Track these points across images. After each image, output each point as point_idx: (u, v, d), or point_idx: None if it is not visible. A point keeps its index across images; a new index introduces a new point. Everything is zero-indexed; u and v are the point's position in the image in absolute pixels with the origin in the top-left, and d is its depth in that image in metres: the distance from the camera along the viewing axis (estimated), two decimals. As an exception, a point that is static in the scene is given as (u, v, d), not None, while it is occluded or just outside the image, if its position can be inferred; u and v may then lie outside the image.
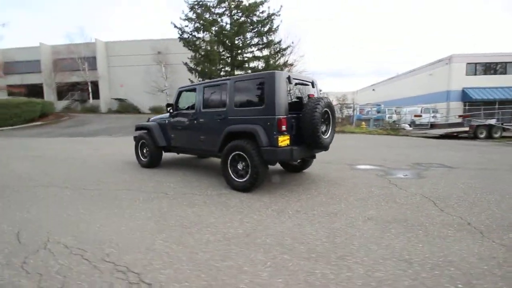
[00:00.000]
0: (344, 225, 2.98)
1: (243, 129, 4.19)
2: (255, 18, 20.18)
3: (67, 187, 4.56)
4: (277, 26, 20.16)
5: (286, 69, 21.35)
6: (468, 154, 8.71)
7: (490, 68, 24.36)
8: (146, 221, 3.14)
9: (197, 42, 20.72)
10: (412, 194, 4.08)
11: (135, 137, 6.44)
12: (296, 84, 4.31)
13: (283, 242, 2.61)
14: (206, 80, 5.03)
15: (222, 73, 21.37)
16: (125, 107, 32.12)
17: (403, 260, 2.26)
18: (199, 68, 20.36)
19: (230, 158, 4.33)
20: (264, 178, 4.29)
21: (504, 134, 14.06)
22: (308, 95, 4.48)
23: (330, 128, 4.48)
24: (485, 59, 24.01)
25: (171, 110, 5.54)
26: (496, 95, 22.92)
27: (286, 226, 2.98)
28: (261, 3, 19.85)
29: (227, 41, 20.39)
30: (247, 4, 19.95)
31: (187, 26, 20.56)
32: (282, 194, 4.09)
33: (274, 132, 3.92)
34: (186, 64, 21.02)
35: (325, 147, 4.35)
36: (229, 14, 20.74)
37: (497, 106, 19.90)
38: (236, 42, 20.01)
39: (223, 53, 21.02)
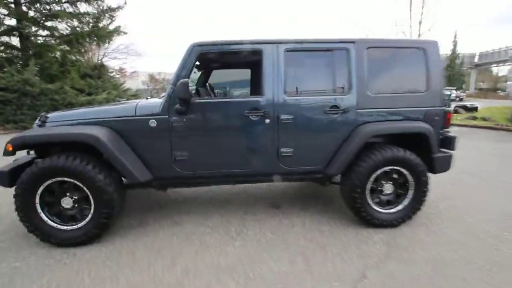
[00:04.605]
0: None
1: (404, 129, 2.56)
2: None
3: None
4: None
5: (116, 38, 16.23)
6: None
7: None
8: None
9: None
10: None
11: (6, 173, 2.30)
12: None
13: None
14: (283, 39, 2.49)
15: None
16: None
17: None
18: None
19: (372, 179, 2.55)
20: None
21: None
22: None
23: None
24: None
25: (183, 97, 2.35)
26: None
27: None
28: None
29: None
30: None
31: None
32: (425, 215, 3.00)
33: (441, 131, 2.71)
34: None
35: None
36: None
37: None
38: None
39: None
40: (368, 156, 2.52)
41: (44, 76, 12.86)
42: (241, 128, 2.52)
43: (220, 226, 2.74)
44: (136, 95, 16.62)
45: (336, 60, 2.53)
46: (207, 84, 3.51)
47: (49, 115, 2.57)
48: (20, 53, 12.97)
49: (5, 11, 12.84)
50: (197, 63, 2.83)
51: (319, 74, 2.62)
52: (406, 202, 2.66)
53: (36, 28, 13.31)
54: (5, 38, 13.22)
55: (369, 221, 2.61)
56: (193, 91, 2.98)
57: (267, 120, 2.48)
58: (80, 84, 13.12)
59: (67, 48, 13.96)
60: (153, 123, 2.45)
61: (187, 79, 2.35)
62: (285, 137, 2.53)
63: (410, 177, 2.61)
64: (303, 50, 2.54)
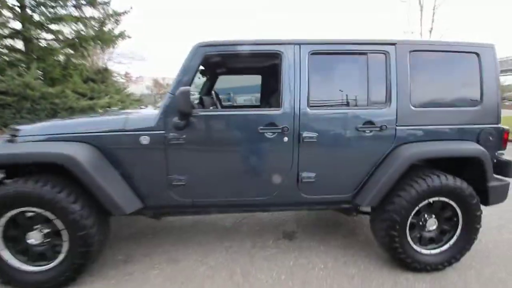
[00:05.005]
0: None
1: (456, 152, 2.08)
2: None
3: None
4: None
5: (120, 42, 15.95)
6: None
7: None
8: None
9: None
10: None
11: None
12: None
13: None
14: (307, 39, 2.04)
15: (4, 32, 12.76)
16: None
17: None
18: None
19: (412, 213, 2.06)
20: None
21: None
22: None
23: None
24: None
25: (185, 108, 1.88)
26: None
27: None
28: None
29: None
30: None
31: None
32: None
33: (496, 153, 2.23)
34: None
35: None
36: None
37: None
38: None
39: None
40: (409, 184, 2.03)
41: (47, 80, 12.62)
42: (254, 147, 2.05)
43: (223, 265, 2.26)
44: (139, 100, 16.29)
45: (372, 65, 2.06)
46: (212, 92, 3.06)
47: (20, 127, 2.12)
48: (24, 56, 12.73)
49: (10, 14, 12.69)
50: (202, 67, 2.39)
51: (350, 82, 2.15)
52: (453, 241, 2.16)
53: (40, 31, 13.09)
54: (9, 41, 13.04)
55: (409, 265, 2.11)
56: (196, 101, 2.54)
57: (286, 138, 2.01)
58: (83, 88, 12.81)
59: (71, 51, 13.72)
60: (145, 139, 1.99)
61: (189, 87, 1.89)
62: (307, 159, 2.05)
63: (459, 211, 2.11)
64: (331, 53, 2.07)
